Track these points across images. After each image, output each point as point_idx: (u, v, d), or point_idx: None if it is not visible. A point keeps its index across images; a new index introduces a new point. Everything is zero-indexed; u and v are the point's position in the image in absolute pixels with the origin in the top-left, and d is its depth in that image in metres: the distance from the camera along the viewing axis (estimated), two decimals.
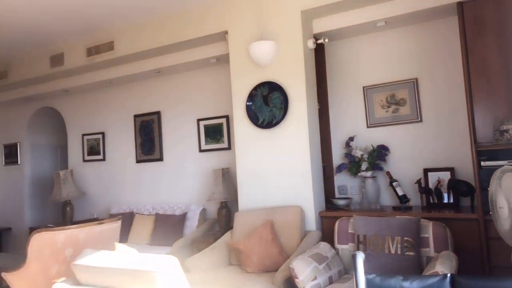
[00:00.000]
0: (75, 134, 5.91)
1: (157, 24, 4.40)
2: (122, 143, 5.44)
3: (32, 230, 5.35)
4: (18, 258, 3.99)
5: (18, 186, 6.39)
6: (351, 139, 3.80)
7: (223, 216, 4.20)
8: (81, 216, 5.61)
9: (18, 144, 6.41)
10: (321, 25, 3.77)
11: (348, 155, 3.76)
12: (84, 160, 5.75)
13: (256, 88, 3.75)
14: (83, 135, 5.78)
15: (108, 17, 4.34)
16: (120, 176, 5.41)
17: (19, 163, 6.39)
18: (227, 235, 3.59)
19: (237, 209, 3.86)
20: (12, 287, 2.66)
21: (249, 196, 3.77)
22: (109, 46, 4.75)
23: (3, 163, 6.59)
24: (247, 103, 3.79)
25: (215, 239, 3.74)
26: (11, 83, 5.73)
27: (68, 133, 5.98)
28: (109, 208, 5.31)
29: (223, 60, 4.43)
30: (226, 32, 4.02)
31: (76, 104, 5.91)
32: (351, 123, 3.93)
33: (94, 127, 5.71)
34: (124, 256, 2.16)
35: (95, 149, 5.64)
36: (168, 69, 4.82)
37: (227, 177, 4.31)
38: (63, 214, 5.27)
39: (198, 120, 4.82)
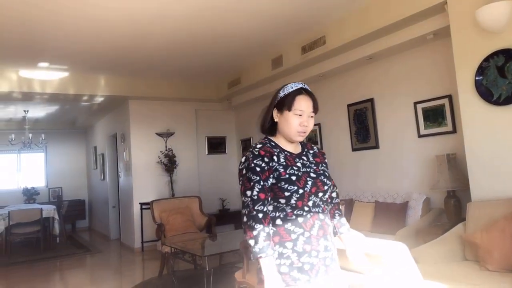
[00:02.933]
0: None
1: (365, 10, 4.34)
2: (337, 132, 5.64)
3: None
4: None
5: None
6: None
7: (451, 206, 3.81)
8: None
9: (251, 138, 7.54)
10: None
11: None
12: None
13: (488, 59, 3.23)
14: None
15: (318, 13, 4.55)
16: (337, 164, 5.63)
17: None
18: (458, 227, 3.24)
19: (468, 199, 3.43)
20: None
21: (484, 185, 3.29)
22: (321, 41, 4.98)
23: (242, 155, 7.87)
24: (476, 78, 3.31)
25: (444, 231, 3.43)
26: (244, 87, 6.76)
27: None
28: None
29: (442, 34, 3.99)
30: (444, 3, 3.61)
31: None
32: None
33: None
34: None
35: (313, 139, 6.04)
36: (380, 53, 4.69)
37: (454, 164, 3.88)
38: None
39: (415, 103, 4.51)
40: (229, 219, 7.41)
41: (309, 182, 1.63)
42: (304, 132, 1.69)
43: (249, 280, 3.19)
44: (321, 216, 1.66)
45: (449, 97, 4.17)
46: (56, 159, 10.64)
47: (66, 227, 9.15)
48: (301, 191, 1.60)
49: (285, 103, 1.69)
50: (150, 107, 7.25)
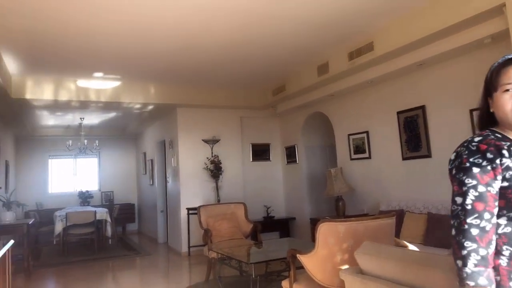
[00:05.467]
0: (341, 135, 6.38)
1: (415, 15, 4.21)
2: (386, 140, 5.49)
3: (313, 220, 6.12)
4: (305, 243, 4.65)
5: (298, 182, 7.47)
6: None
7: None
8: (352, 210, 6.00)
9: (295, 146, 7.51)
10: None
11: None
12: (351, 159, 6.13)
13: None
14: (349, 135, 6.17)
15: (366, 19, 4.46)
16: (386, 173, 5.47)
17: (297, 162, 7.47)
18: None
19: None
20: (305, 267, 3.12)
21: None
22: (369, 47, 4.89)
23: (286, 163, 7.86)
24: None
25: None
26: (288, 94, 6.77)
27: (335, 134, 6.53)
28: (378, 205, 5.45)
29: (501, 37, 3.78)
30: (503, 5, 3.42)
31: (340, 106, 6.38)
32: None
33: (358, 126, 6.01)
34: (406, 251, 2.16)
35: (360, 147, 5.93)
36: (432, 59, 4.53)
37: None
38: (336, 208, 5.79)
39: (471, 110, 4.29)
40: (274, 226, 7.41)
41: None
42: None
43: None
44: None
45: None
46: (108, 164, 11.19)
47: (117, 230, 9.56)
48: None
49: (491, 84, 1.30)
50: (197, 114, 7.44)
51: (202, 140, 7.41)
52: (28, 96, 6.06)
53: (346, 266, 2.87)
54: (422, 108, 4.88)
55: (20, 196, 9.19)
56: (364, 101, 5.89)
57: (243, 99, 7.53)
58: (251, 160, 7.89)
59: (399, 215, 4.69)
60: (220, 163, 7.34)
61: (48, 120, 8.77)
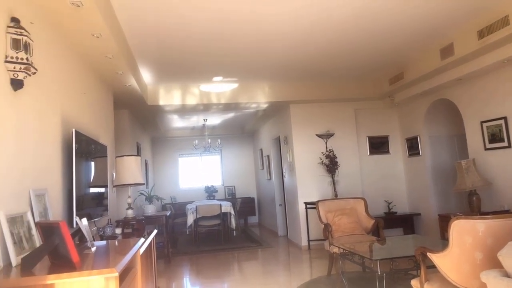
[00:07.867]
0: (472, 122, 5.74)
1: None
2: None
3: (442, 217, 5.65)
4: (434, 241, 4.33)
5: (422, 175, 6.96)
6: None
7: None
8: (488, 207, 5.36)
9: (418, 137, 7.01)
10: None
11: None
12: (486, 149, 5.47)
13: None
14: (482, 122, 5.52)
15: None
16: None
17: (420, 154, 6.96)
18: None
19: None
20: (438, 266, 2.92)
21: None
22: (504, 22, 4.30)
23: (407, 155, 7.40)
24: None
25: None
26: (408, 82, 6.35)
27: (465, 122, 5.90)
28: None
29: None
30: None
31: (470, 91, 5.75)
32: None
33: (493, 112, 5.33)
34: None
35: (497, 136, 5.25)
36: None
37: None
38: (470, 204, 5.24)
39: None
40: (396, 222, 7.06)
41: None
42: None
43: None
44: None
45: None
46: (229, 160, 11.98)
47: (240, 222, 10.18)
48: None
49: None
50: (309, 109, 7.48)
51: (316, 135, 7.42)
52: (161, 102, 6.85)
53: (491, 270, 2.60)
54: None
55: (157, 191, 10.43)
56: (499, 83, 5.20)
57: (357, 91, 7.31)
58: (368, 153, 7.63)
59: None
60: (336, 157, 7.26)
61: (177, 122, 9.77)
